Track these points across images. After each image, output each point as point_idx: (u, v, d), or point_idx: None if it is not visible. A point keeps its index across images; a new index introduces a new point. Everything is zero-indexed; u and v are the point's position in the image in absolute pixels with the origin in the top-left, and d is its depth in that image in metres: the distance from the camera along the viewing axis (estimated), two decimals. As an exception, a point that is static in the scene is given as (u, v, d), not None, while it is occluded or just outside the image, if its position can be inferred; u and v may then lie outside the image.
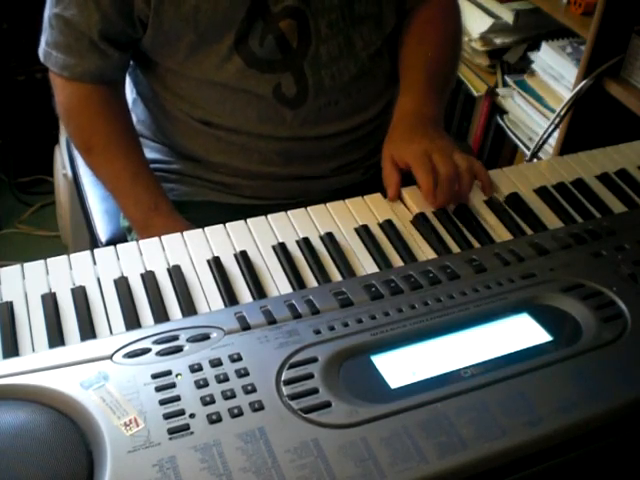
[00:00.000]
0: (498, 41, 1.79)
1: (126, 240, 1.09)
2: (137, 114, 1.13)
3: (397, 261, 0.78)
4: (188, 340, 0.63)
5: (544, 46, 1.64)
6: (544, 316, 0.68)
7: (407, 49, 1.07)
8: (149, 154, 1.12)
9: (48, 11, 0.97)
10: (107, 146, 1.01)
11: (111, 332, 0.69)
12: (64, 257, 0.76)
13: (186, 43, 0.95)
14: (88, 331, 0.68)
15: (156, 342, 0.63)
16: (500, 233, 0.83)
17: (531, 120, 1.70)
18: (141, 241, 0.79)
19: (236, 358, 0.61)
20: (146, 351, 0.62)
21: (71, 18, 0.94)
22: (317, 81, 1.00)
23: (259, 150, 1.04)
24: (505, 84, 1.80)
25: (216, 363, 0.61)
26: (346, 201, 0.86)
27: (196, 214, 1.04)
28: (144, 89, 1.08)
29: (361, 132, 1.09)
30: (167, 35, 0.95)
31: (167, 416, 0.57)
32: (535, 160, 1.55)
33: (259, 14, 0.94)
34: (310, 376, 0.60)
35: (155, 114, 1.09)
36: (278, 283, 0.75)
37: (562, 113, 1.48)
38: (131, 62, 1.06)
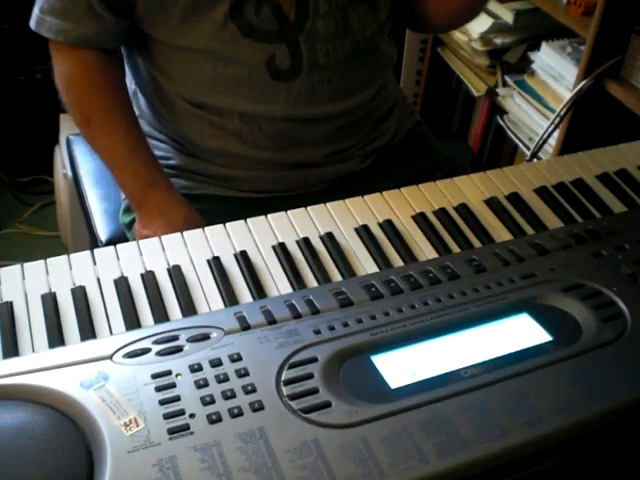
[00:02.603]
0: (498, 41, 1.79)
1: (126, 240, 1.09)
2: (137, 107, 1.14)
3: (397, 261, 0.78)
4: (188, 340, 0.63)
5: (544, 46, 1.64)
6: (544, 316, 0.68)
7: None
8: None
9: None
10: (106, 118, 1.02)
11: (111, 332, 0.69)
12: (64, 257, 0.76)
13: (179, 7, 0.95)
14: (88, 331, 0.68)
15: (156, 342, 0.63)
16: (500, 233, 0.83)
17: (531, 120, 1.70)
18: (141, 241, 0.79)
19: (236, 358, 0.61)
20: (146, 351, 0.62)
21: None
22: (311, 56, 1.01)
23: (252, 135, 1.05)
24: (505, 84, 1.80)
25: (216, 363, 0.61)
26: (346, 201, 0.86)
27: (195, 207, 1.04)
28: (141, 76, 1.09)
29: (351, 117, 1.09)
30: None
31: (167, 416, 0.57)
32: (535, 160, 1.55)
33: None
34: (310, 376, 0.60)
35: (152, 102, 1.10)
36: (278, 283, 0.75)
37: (562, 113, 1.48)
38: (127, 50, 1.07)
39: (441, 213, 0.85)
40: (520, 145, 1.75)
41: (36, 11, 1.00)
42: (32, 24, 1.00)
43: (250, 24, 0.97)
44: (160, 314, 0.71)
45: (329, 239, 0.80)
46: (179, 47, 1.00)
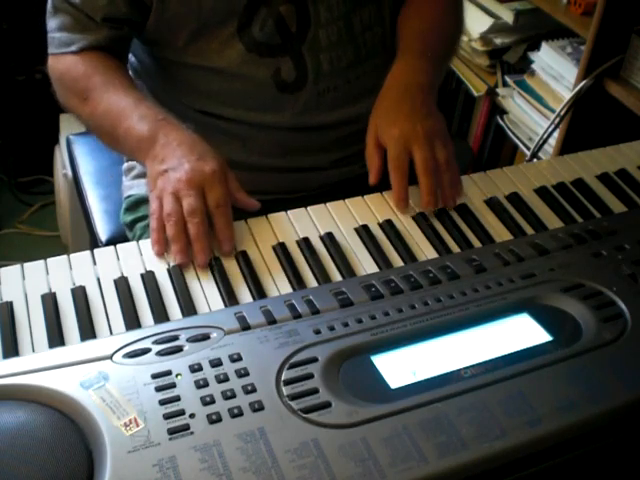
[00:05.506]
0: (498, 41, 1.79)
1: (126, 240, 1.09)
2: None
3: (397, 261, 0.78)
4: (188, 340, 0.63)
5: (544, 46, 1.64)
6: (544, 316, 0.68)
7: (404, 18, 1.07)
8: None
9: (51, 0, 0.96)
10: (106, 82, 0.93)
11: (111, 332, 0.69)
12: (64, 257, 0.76)
13: (188, 31, 0.95)
14: (88, 331, 0.68)
15: (156, 342, 0.63)
16: (500, 233, 0.83)
17: (531, 120, 1.70)
18: (141, 241, 0.79)
19: (236, 358, 0.61)
20: (146, 351, 0.62)
21: (76, 2, 0.93)
22: (316, 65, 1.01)
23: (260, 142, 1.04)
24: (505, 84, 1.80)
25: (216, 363, 0.61)
26: (346, 201, 0.86)
27: None
28: (145, 84, 1.09)
29: (358, 126, 1.09)
30: (169, 22, 0.95)
31: (167, 416, 0.57)
32: (535, 160, 1.55)
33: (261, 1, 0.95)
34: (310, 376, 0.60)
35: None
36: (278, 283, 0.75)
37: (562, 113, 1.48)
38: (132, 58, 1.07)
39: (441, 213, 0.85)
40: (520, 145, 1.75)
41: (48, 32, 0.97)
42: (49, 44, 0.98)
43: (254, 40, 0.97)
44: (160, 314, 0.70)
45: (329, 239, 0.80)
46: (185, 64, 1.00)
